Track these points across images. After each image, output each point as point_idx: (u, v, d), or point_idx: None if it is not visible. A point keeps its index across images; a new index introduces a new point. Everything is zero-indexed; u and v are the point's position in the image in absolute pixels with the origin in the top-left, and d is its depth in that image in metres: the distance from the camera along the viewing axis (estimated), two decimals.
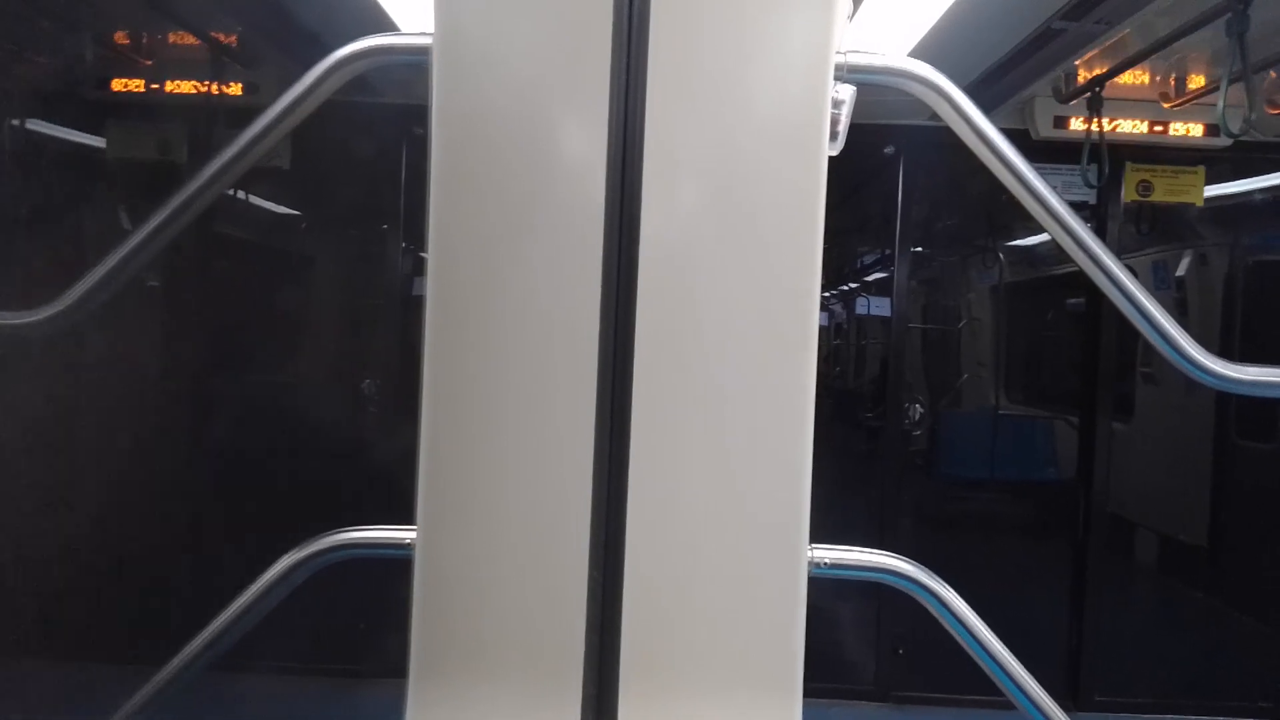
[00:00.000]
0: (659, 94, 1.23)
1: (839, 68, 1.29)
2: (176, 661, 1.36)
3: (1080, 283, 4.47)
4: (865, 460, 5.79)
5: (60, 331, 1.34)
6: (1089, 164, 4.68)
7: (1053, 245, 4.54)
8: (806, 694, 1.31)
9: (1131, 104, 4.70)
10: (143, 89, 4.67)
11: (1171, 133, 4.77)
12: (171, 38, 4.54)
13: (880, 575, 1.39)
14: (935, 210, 6.11)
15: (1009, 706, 1.39)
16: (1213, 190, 5.20)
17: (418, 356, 1.27)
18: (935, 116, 1.38)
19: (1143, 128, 4.76)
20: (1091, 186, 4.80)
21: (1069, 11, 3.48)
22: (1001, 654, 1.37)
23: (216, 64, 4.57)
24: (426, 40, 1.28)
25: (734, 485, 1.29)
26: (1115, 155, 4.76)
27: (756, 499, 1.29)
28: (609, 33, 1.22)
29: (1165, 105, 4.65)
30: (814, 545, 1.32)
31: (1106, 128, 4.64)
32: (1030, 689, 1.37)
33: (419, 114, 1.27)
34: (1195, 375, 1.37)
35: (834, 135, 1.28)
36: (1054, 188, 1.38)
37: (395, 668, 1.31)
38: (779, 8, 1.25)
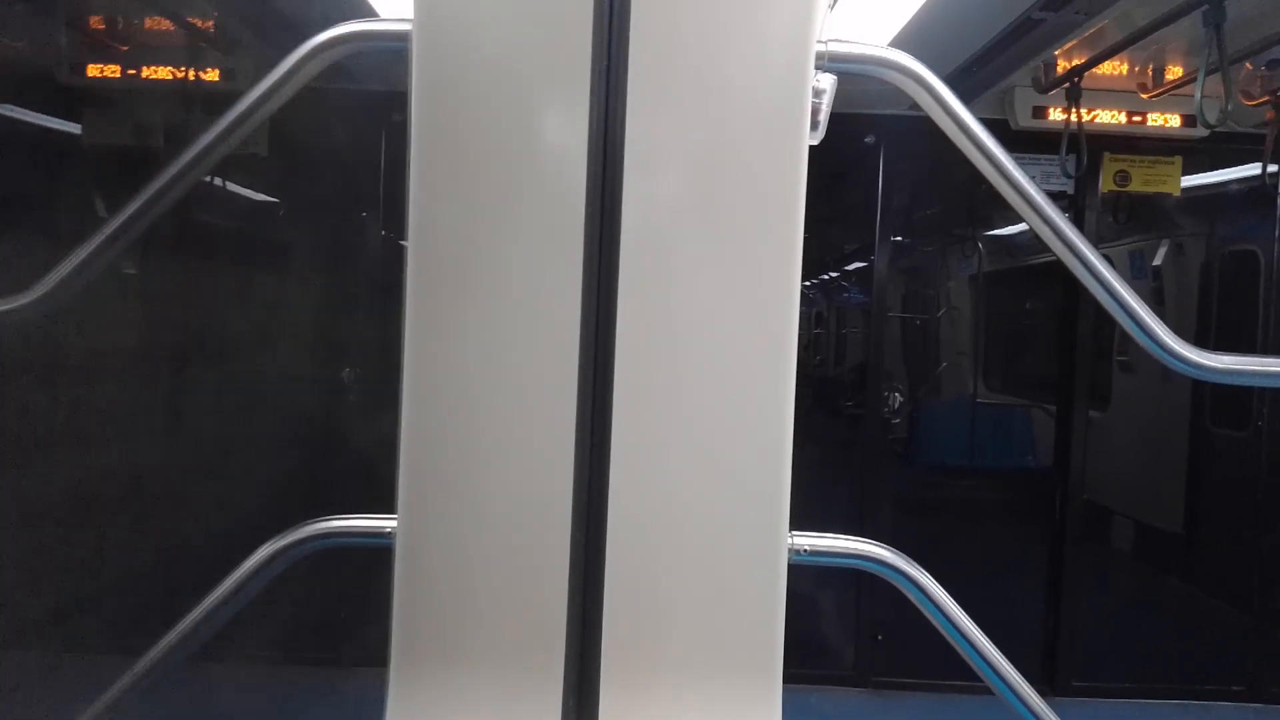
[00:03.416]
0: (640, 82, 1.23)
1: (820, 57, 1.29)
2: (154, 652, 1.35)
3: (1058, 272, 4.50)
4: (845, 448, 5.82)
5: (37, 318, 1.33)
6: (1067, 154, 4.71)
7: (1031, 235, 4.57)
8: (786, 680, 1.31)
9: (1110, 94, 4.73)
10: (119, 74, 4.62)
11: (1149, 123, 4.81)
12: (148, 23, 4.49)
13: (859, 562, 1.39)
14: (915, 200, 6.13)
15: (987, 692, 1.40)
16: (1189, 180, 5.24)
17: (397, 345, 1.27)
18: (915, 106, 1.38)
19: (1121, 118, 4.79)
20: (1070, 176, 4.84)
21: (1048, 2, 3.49)
22: (979, 640, 1.38)
23: (194, 50, 4.52)
24: (406, 26, 1.27)
25: (714, 473, 1.29)
26: (1093, 145, 4.80)
27: (737, 487, 1.30)
28: (589, 20, 1.22)
29: (1143, 96, 4.68)
30: (794, 532, 1.32)
31: (1085, 118, 4.67)
32: (1007, 674, 1.39)
33: (398, 101, 1.26)
34: (1171, 364, 1.38)
35: (815, 124, 1.28)
36: (1033, 177, 1.38)
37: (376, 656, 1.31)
38: None
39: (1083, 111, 4.64)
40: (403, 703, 1.31)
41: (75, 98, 4.79)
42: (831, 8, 1.43)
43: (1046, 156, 4.85)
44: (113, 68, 4.61)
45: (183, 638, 1.34)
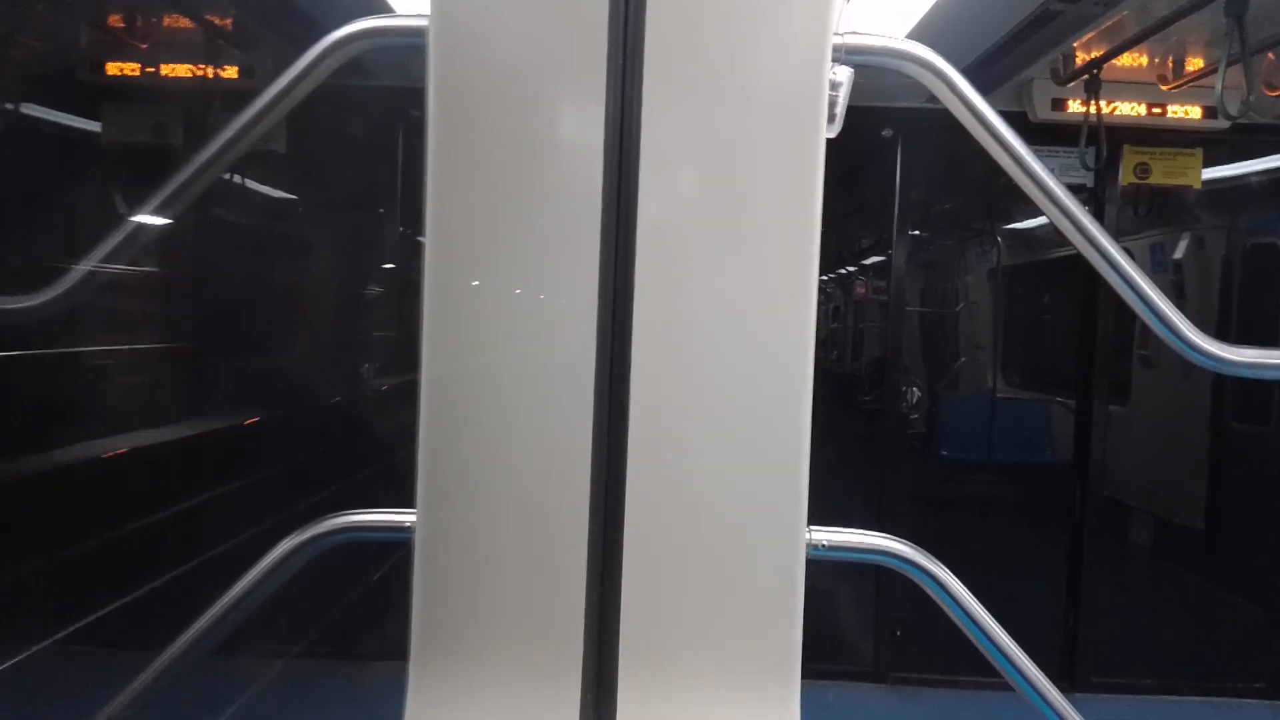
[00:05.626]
0: (656, 75, 1.22)
1: (837, 49, 1.28)
2: (177, 645, 1.36)
3: (1078, 266, 4.46)
4: (863, 443, 5.80)
5: (55, 316, 1.34)
6: (1087, 146, 4.67)
7: (1050, 228, 4.53)
8: (804, 675, 1.31)
9: (1129, 86, 4.68)
10: (138, 72, 4.64)
11: (1169, 115, 4.76)
12: (166, 20, 4.50)
13: (878, 557, 1.39)
14: (933, 193, 6.10)
15: (1006, 688, 1.40)
16: (1210, 173, 5.19)
17: (415, 339, 1.27)
18: (933, 99, 1.37)
19: (1141, 110, 4.74)
20: (1089, 169, 4.80)
21: None
22: (998, 635, 1.37)
23: (212, 47, 4.54)
24: (423, 22, 1.27)
25: (732, 468, 1.29)
26: (1113, 138, 4.75)
27: (755, 482, 1.29)
28: (605, 14, 1.21)
29: (1163, 88, 4.64)
30: (812, 527, 1.32)
31: (1104, 110, 4.63)
32: (1027, 670, 1.38)
33: (416, 96, 1.26)
34: (1192, 358, 1.37)
35: (832, 117, 1.28)
36: (1051, 170, 1.37)
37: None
38: None
39: (1102, 104, 4.60)
40: (422, 696, 1.31)
41: (95, 95, 4.82)
42: (848, 0, 1.43)
43: (1065, 149, 4.81)
44: (132, 65, 4.63)
45: (205, 631, 1.35)
